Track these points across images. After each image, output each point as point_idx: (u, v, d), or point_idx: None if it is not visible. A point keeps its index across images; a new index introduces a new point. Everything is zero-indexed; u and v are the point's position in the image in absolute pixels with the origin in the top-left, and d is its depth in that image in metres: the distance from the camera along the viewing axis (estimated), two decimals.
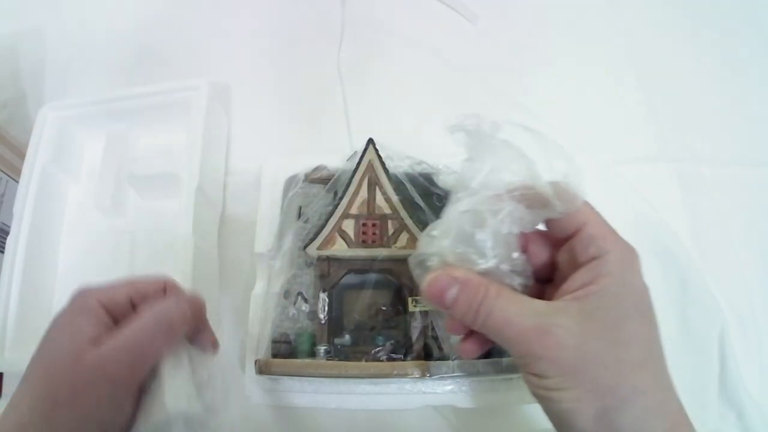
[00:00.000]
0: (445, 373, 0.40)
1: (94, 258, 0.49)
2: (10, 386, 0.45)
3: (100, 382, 0.29)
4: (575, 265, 0.29)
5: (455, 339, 0.40)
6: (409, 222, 0.43)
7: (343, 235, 0.42)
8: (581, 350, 0.26)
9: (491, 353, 0.38)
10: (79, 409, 0.29)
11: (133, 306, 0.33)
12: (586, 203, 0.29)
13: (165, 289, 0.35)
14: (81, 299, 0.33)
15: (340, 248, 0.42)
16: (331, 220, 0.42)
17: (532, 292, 0.29)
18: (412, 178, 0.45)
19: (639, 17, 0.62)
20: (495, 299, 0.27)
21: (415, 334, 0.41)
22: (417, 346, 0.41)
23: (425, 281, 0.29)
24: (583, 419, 0.26)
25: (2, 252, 0.46)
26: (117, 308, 0.33)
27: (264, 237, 0.46)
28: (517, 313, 0.27)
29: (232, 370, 0.45)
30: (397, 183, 0.44)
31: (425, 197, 0.44)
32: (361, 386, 0.44)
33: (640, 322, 0.27)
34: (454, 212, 0.28)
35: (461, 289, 0.28)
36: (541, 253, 0.31)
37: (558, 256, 0.30)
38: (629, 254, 0.28)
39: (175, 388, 0.32)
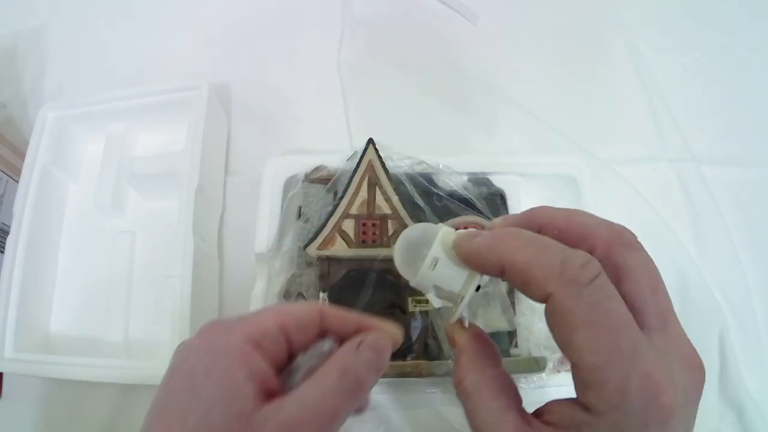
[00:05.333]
0: (445, 373, 0.40)
1: (94, 258, 0.48)
2: (11, 386, 0.45)
3: None
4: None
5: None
6: (409, 222, 0.43)
7: (343, 235, 0.42)
8: None
9: None
10: None
11: (287, 341, 0.25)
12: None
13: (321, 318, 0.26)
14: (221, 337, 0.24)
15: (340, 248, 0.42)
16: (331, 220, 0.42)
17: None
18: (412, 178, 0.45)
19: (639, 17, 0.63)
20: (467, 397, 0.25)
21: (415, 334, 0.41)
22: (417, 346, 0.41)
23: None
24: None
25: (2, 252, 0.46)
26: (271, 347, 0.24)
27: (264, 237, 0.46)
28: (482, 424, 0.24)
29: None
30: (397, 183, 0.44)
31: (425, 197, 0.44)
32: None
33: None
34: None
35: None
36: None
37: None
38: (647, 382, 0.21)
39: None
